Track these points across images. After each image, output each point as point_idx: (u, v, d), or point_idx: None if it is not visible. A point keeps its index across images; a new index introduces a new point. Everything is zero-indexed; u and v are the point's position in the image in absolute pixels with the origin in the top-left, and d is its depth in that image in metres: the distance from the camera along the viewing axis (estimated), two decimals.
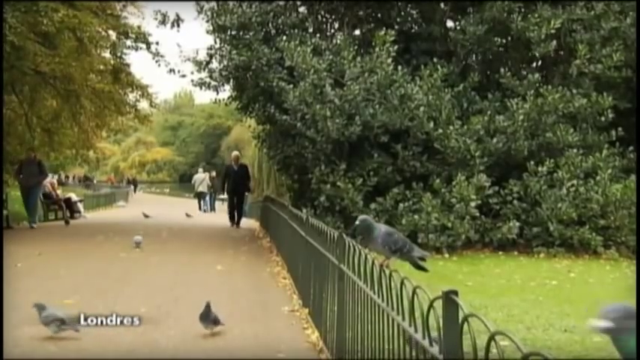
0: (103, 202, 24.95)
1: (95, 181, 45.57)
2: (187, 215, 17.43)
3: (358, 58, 8.60)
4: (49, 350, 3.91)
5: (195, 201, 22.57)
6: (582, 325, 3.82)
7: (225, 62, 10.46)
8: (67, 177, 47.59)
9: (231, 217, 12.46)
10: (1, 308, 4.56)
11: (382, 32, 8.28)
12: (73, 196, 18.33)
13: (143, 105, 16.63)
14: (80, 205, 18.24)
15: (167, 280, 5.97)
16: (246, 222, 15.12)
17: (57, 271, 6.24)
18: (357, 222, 2.74)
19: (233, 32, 10.34)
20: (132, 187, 40.67)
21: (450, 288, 4.49)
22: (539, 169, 7.83)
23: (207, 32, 11.22)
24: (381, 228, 2.73)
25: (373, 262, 2.44)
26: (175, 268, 6.74)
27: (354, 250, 2.88)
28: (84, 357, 3.78)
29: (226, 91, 11.84)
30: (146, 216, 16.45)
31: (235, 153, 13.23)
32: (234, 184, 12.08)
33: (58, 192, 18.29)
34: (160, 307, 4.77)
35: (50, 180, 20.70)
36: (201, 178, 21.96)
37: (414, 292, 1.85)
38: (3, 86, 12.69)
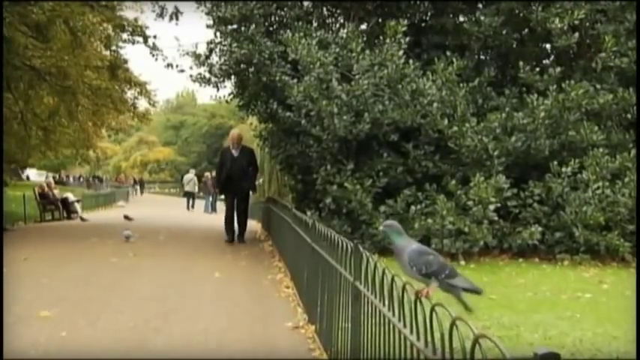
0: (102, 202, 24.51)
1: (104, 182, 45.30)
2: (126, 218, 15.05)
3: (367, 51, 8.07)
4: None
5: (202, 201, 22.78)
6: (634, 352, 3.28)
7: (225, 56, 9.95)
8: (67, 176, 47.32)
9: (230, 228, 8.88)
10: (1, 309, 4.25)
11: (393, 22, 7.74)
12: (70, 196, 17.87)
13: (142, 103, 16.20)
14: (77, 206, 17.79)
15: (159, 289, 5.46)
16: (248, 223, 14.59)
17: (40, 278, 5.73)
18: (381, 227, 2.21)
19: (234, 25, 9.84)
20: (137, 187, 40.18)
21: (472, 300, 3.92)
22: (563, 169, 7.26)
23: (208, 27, 10.74)
24: (412, 243, 2.20)
25: (404, 288, 1.91)
26: (169, 276, 6.22)
27: (376, 266, 2.35)
28: (83, 357, 3.48)
29: (227, 88, 11.33)
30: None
31: (236, 131, 9.51)
32: (233, 177, 8.51)
33: (56, 192, 17.87)
34: (148, 321, 4.26)
35: (47, 180, 20.33)
36: (189, 179, 22.90)
37: (475, 343, 1.31)
38: (3, 86, 12.24)
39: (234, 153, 8.73)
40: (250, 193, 9.26)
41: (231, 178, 8.58)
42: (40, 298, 4.88)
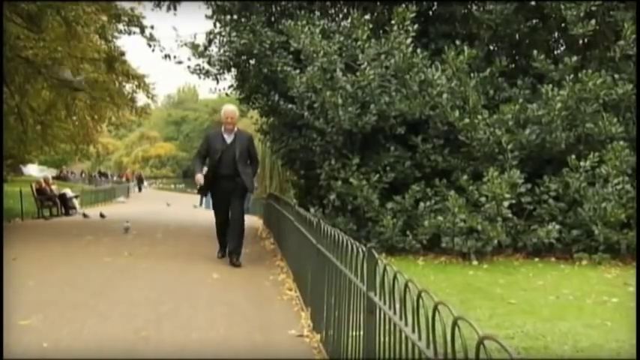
0: (102, 198, 24.21)
1: (109, 177, 45.19)
2: (84, 216, 15.16)
3: (373, 40, 7.70)
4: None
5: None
6: None
7: (225, 47, 9.58)
8: (69, 172, 47.04)
9: (222, 240, 6.72)
10: (2, 308, 4.08)
11: (402, 8, 7.36)
12: (68, 192, 17.56)
13: (142, 97, 15.85)
14: (75, 201, 17.47)
15: (153, 292, 5.09)
16: (249, 219, 14.20)
17: (27, 281, 5.37)
18: None
19: (234, 16, 9.47)
20: (136, 183, 39.83)
21: (490, 305, 3.53)
22: (582, 163, 6.88)
23: (207, 17, 10.38)
24: None
25: (437, 308, 1.54)
26: (164, 277, 5.87)
27: (395, 277, 1.98)
28: (84, 357, 3.32)
29: (227, 80, 10.97)
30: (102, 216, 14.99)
31: (230, 107, 6.60)
32: (223, 171, 6.31)
33: (53, 187, 17.54)
34: (138, 330, 3.90)
35: (44, 176, 19.99)
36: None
37: None
38: (2, 82, 11.89)
39: (227, 138, 6.38)
40: (248, 194, 6.81)
41: (221, 174, 6.33)
42: (23, 303, 4.53)
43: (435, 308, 1.52)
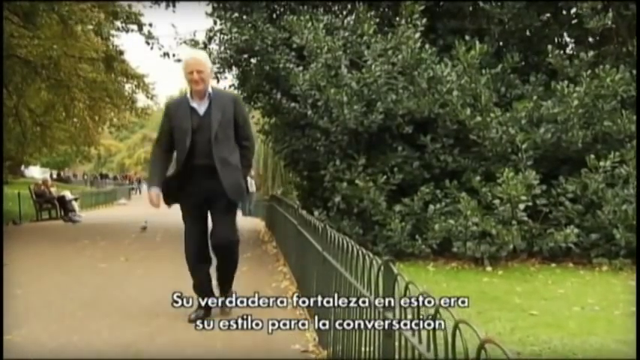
0: (102, 200, 23.96)
1: (117, 179, 45.24)
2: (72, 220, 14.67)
3: (379, 35, 7.39)
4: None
5: None
6: None
7: (225, 44, 9.28)
8: (74, 175, 46.99)
9: (203, 280, 4.11)
10: (1, 308, 4.00)
11: (409, 2, 7.04)
12: (68, 194, 17.28)
13: (142, 98, 15.58)
14: (75, 204, 17.19)
15: (147, 302, 4.77)
16: (251, 221, 13.93)
17: (14, 290, 5.06)
18: None
19: (235, 13, 9.17)
20: (134, 185, 39.72)
21: (510, 317, 3.17)
22: (601, 163, 6.54)
23: (207, 14, 10.09)
24: None
25: (483, 347, 1.21)
26: (161, 284, 5.53)
27: (420, 301, 1.66)
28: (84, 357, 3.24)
29: (227, 79, 10.68)
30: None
31: (193, 54, 4.28)
32: (196, 161, 3.83)
33: (53, 190, 17.28)
34: (129, 345, 3.59)
35: (43, 178, 19.74)
36: None
37: None
38: (2, 83, 11.64)
39: (198, 107, 3.86)
40: (252, 191, 4.50)
41: (195, 166, 3.86)
42: (7, 315, 4.20)
43: (482, 347, 1.19)
